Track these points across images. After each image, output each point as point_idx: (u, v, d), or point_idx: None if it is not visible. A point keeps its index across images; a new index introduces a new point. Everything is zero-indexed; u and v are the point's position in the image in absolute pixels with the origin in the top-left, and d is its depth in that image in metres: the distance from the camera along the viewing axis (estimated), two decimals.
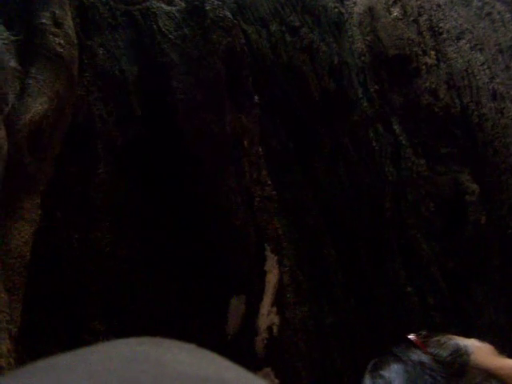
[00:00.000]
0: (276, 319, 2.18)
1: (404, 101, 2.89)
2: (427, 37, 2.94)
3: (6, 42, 1.60)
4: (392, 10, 2.94)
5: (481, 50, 2.91)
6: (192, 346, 0.37)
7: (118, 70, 1.98)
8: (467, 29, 2.95)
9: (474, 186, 2.79)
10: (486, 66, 2.89)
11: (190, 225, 1.99)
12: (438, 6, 2.99)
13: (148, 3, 2.08)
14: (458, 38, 2.94)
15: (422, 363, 1.18)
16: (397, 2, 2.95)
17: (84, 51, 1.88)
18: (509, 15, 3.01)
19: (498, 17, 2.97)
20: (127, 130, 1.96)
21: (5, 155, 1.36)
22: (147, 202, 1.96)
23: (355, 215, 2.78)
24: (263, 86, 2.70)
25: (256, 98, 2.22)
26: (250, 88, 2.21)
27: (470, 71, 2.89)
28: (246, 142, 2.12)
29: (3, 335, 1.13)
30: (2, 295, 1.20)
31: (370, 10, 2.95)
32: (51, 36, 1.66)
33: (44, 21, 1.67)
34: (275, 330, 2.17)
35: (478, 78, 2.88)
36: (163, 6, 2.09)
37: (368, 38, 2.93)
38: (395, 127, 2.87)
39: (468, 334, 1.32)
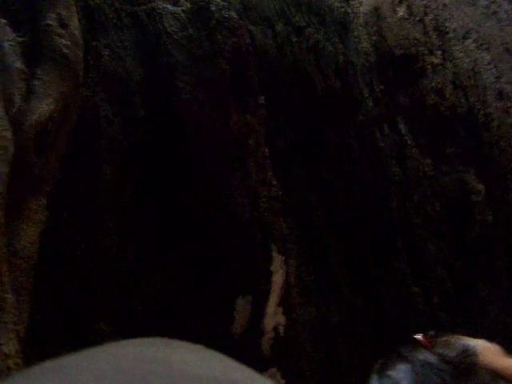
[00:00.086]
0: (282, 319, 2.18)
1: (410, 100, 2.88)
2: (433, 36, 2.93)
3: (11, 43, 1.61)
4: (398, 9, 2.93)
5: (487, 49, 2.90)
6: (199, 347, 0.37)
7: (123, 70, 1.98)
8: (473, 28, 2.94)
9: (480, 186, 2.78)
10: (492, 66, 2.88)
11: (195, 225, 1.99)
12: (444, 5, 2.98)
13: (153, 4, 2.08)
14: (464, 38, 2.93)
15: (429, 363, 1.17)
16: (403, 1, 2.95)
17: (89, 52, 1.89)
18: None
19: (504, 16, 2.96)
20: (132, 130, 1.96)
21: (11, 156, 1.37)
22: (152, 202, 1.96)
23: (361, 215, 2.78)
24: (269, 86, 2.70)
25: (261, 98, 2.22)
26: (256, 88, 2.20)
27: (476, 70, 2.88)
28: (251, 142, 2.12)
29: (11, 336, 1.13)
30: (10, 296, 1.20)
31: (376, 9, 2.94)
32: (57, 37, 1.66)
33: (50, 22, 1.67)
34: (281, 330, 2.17)
35: (484, 77, 2.87)
36: (168, 6, 2.10)
37: (374, 37, 2.92)
38: (401, 127, 2.87)
39: (474, 334, 1.31)
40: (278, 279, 2.14)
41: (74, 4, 1.81)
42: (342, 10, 2.96)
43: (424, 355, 1.20)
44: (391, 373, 1.20)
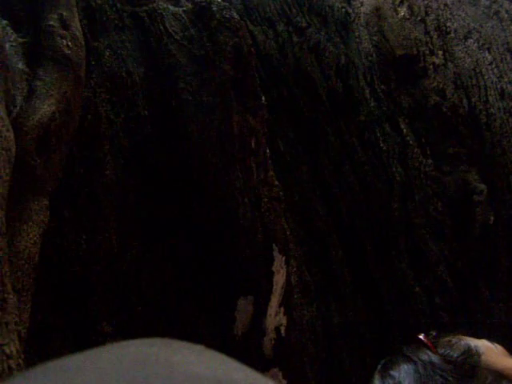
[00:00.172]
0: (284, 320, 2.18)
1: (411, 101, 2.88)
2: (434, 36, 2.93)
3: (13, 43, 1.61)
4: (399, 9, 2.93)
5: (489, 49, 2.90)
6: (201, 347, 0.37)
7: (124, 71, 1.98)
8: (475, 28, 2.94)
9: (482, 186, 2.78)
10: (493, 66, 2.88)
11: (197, 226, 2.00)
12: (446, 5, 2.98)
13: (154, 4, 2.08)
14: (466, 38, 2.93)
15: (432, 363, 1.17)
16: (404, 1, 2.95)
17: (91, 53, 1.89)
18: None
19: (506, 15, 2.96)
20: (134, 131, 1.96)
21: (13, 157, 1.37)
22: (154, 202, 1.96)
23: (362, 215, 2.78)
24: (270, 86, 2.70)
25: (263, 98, 2.22)
26: (257, 89, 2.20)
27: (477, 70, 2.88)
28: (253, 143, 2.12)
29: (12, 336, 1.13)
30: (11, 296, 1.20)
31: (377, 9, 2.94)
32: (58, 38, 1.67)
33: (51, 23, 1.68)
34: (283, 330, 2.17)
35: (485, 77, 2.87)
36: (170, 7, 2.10)
37: (375, 37, 2.92)
38: (403, 127, 2.87)
39: (476, 335, 1.31)
40: (279, 279, 2.14)
41: (76, 5, 1.82)
42: (343, 10, 2.97)
43: (427, 355, 1.20)
44: (394, 373, 1.20)
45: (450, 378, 1.14)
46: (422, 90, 2.87)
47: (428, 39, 2.92)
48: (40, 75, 1.60)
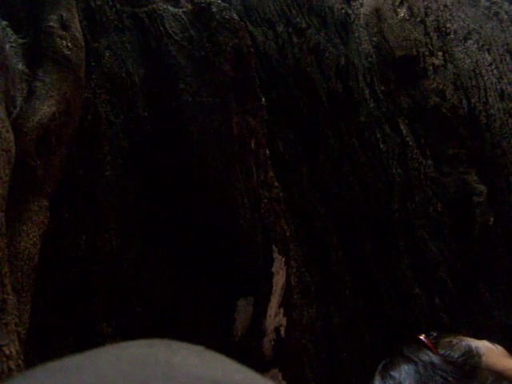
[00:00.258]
0: (283, 320, 2.18)
1: (411, 101, 2.88)
2: (434, 37, 2.93)
3: (13, 44, 1.61)
4: (399, 10, 2.94)
5: (488, 50, 2.90)
6: (200, 348, 0.37)
7: (124, 72, 1.98)
8: (475, 29, 2.94)
9: (482, 187, 2.78)
10: (493, 66, 2.88)
11: (197, 226, 2.00)
12: (445, 6, 2.98)
13: (154, 5, 2.08)
14: (466, 39, 2.93)
15: (432, 364, 1.17)
16: (403, 2, 2.95)
17: (91, 53, 1.89)
18: None
19: (505, 17, 2.96)
20: (134, 131, 1.96)
21: (13, 158, 1.37)
22: (154, 203, 1.96)
23: (362, 216, 2.78)
24: (270, 87, 2.70)
25: (263, 99, 2.22)
26: (257, 89, 2.21)
27: (477, 71, 2.88)
28: (252, 144, 2.12)
29: (12, 337, 1.13)
30: (11, 297, 1.20)
31: (377, 10, 2.94)
32: (58, 39, 1.67)
33: (51, 24, 1.68)
34: (283, 331, 2.17)
35: (485, 78, 2.87)
36: (169, 8, 2.10)
37: (375, 38, 2.92)
38: (402, 128, 2.87)
39: (476, 335, 1.31)
40: (279, 280, 2.14)
41: (76, 6, 1.82)
42: (343, 11, 2.97)
43: (427, 356, 1.20)
44: (394, 373, 1.20)
45: (451, 379, 1.14)
46: (422, 90, 2.87)
47: (428, 40, 2.92)
48: (40, 76, 1.60)
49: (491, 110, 2.84)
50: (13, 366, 1.09)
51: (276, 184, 2.25)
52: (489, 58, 2.89)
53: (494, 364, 1.19)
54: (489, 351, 1.22)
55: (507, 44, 2.93)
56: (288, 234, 2.47)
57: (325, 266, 2.70)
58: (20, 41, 1.64)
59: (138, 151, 1.96)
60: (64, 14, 1.72)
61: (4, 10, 1.68)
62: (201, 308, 1.99)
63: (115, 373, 0.30)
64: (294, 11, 2.86)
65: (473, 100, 2.85)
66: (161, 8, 2.08)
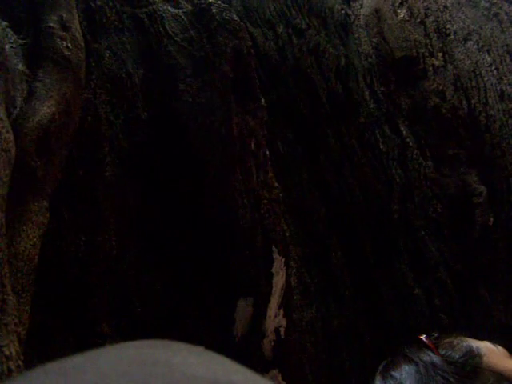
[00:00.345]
0: (283, 321, 2.18)
1: (411, 102, 2.88)
2: (434, 38, 2.93)
3: (13, 45, 1.61)
4: (399, 11, 2.94)
5: (488, 50, 2.90)
6: (200, 349, 0.37)
7: (124, 72, 1.98)
8: (474, 30, 2.94)
9: (482, 188, 2.78)
10: (493, 67, 2.88)
11: (197, 227, 2.00)
12: (445, 7, 2.98)
13: (154, 6, 2.08)
14: (466, 39, 2.93)
15: (433, 364, 1.17)
16: (403, 3, 2.95)
17: (91, 54, 1.89)
18: None
19: (505, 17, 2.96)
20: (134, 132, 1.96)
21: (13, 158, 1.37)
22: (154, 204, 1.96)
23: (362, 217, 2.78)
24: (270, 88, 2.70)
25: (263, 100, 2.22)
26: (257, 90, 2.21)
27: (477, 72, 2.88)
28: (252, 144, 2.12)
29: (12, 338, 1.13)
30: (11, 298, 1.20)
31: (377, 11, 2.94)
32: (58, 39, 1.67)
33: (51, 24, 1.68)
34: (282, 332, 2.17)
35: (485, 79, 2.87)
36: (170, 8, 2.10)
37: (375, 39, 2.93)
38: (402, 129, 2.87)
39: (476, 336, 1.31)
40: (278, 281, 2.14)
41: (76, 6, 1.82)
42: (343, 12, 2.97)
43: (428, 356, 1.20)
44: (395, 373, 1.20)
45: (452, 379, 1.14)
46: (422, 91, 2.87)
47: (428, 41, 2.92)
48: (40, 76, 1.60)
49: (491, 111, 2.84)
50: (13, 367, 1.09)
51: (276, 185, 2.25)
52: (489, 59, 2.89)
53: (495, 364, 1.19)
54: (490, 352, 1.22)
55: (507, 45, 2.93)
56: (288, 234, 2.48)
57: (325, 267, 2.70)
58: (20, 41, 1.64)
59: (137, 152, 1.96)
60: (64, 15, 1.72)
61: (4, 11, 1.68)
62: (201, 308, 1.99)
63: (115, 373, 0.31)
64: (293, 12, 2.86)
65: (473, 101, 2.85)
66: (161, 9, 2.08)
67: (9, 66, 1.53)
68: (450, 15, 2.97)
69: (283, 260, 2.16)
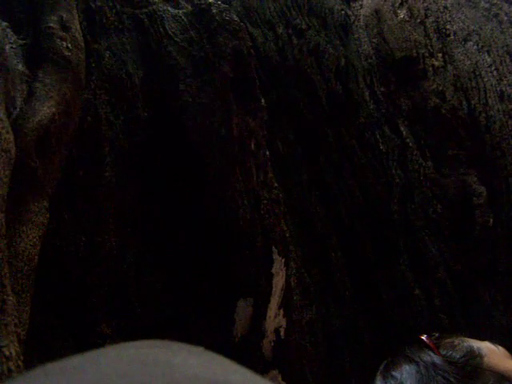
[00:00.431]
0: (283, 322, 2.18)
1: (411, 103, 2.88)
2: (434, 39, 2.93)
3: (13, 45, 1.61)
4: (399, 12, 2.94)
5: (488, 51, 2.90)
6: (200, 349, 0.37)
7: (124, 73, 1.98)
8: (474, 30, 2.94)
9: (482, 188, 2.78)
10: (493, 68, 2.88)
11: (197, 227, 2.00)
12: (445, 7, 2.98)
13: (154, 6, 2.08)
14: (465, 40, 2.93)
15: (434, 364, 1.17)
16: (403, 4, 2.95)
17: (91, 54, 1.89)
18: None
19: (505, 18, 2.97)
20: (134, 132, 1.96)
21: (12, 159, 1.37)
22: (154, 204, 1.96)
23: (362, 217, 2.78)
24: (270, 88, 2.71)
25: (262, 100, 2.22)
26: (257, 90, 2.21)
27: (477, 73, 2.88)
28: (252, 145, 2.13)
29: (12, 338, 1.13)
30: (10, 298, 1.20)
31: (377, 12, 2.94)
32: (58, 40, 1.67)
33: (51, 24, 1.68)
34: (282, 332, 2.17)
35: (485, 79, 2.87)
36: (170, 9, 2.10)
37: (375, 40, 2.93)
38: (402, 129, 2.87)
39: (476, 336, 1.31)
40: (278, 281, 2.14)
41: (75, 7, 1.82)
42: (343, 12, 2.97)
43: (429, 356, 1.20)
44: (396, 373, 1.20)
45: (452, 379, 1.14)
46: (422, 92, 2.87)
47: (427, 41, 2.92)
48: (40, 77, 1.60)
49: (491, 112, 2.84)
50: (12, 367, 1.09)
51: (276, 185, 2.25)
52: (488, 60, 2.89)
53: (496, 365, 1.19)
54: (490, 352, 1.22)
55: (507, 45, 2.93)
56: (288, 235, 2.48)
57: (324, 267, 2.70)
58: (20, 42, 1.64)
59: (138, 152, 1.96)
60: (64, 15, 1.72)
61: (4, 11, 1.68)
62: (200, 309, 1.99)
63: (115, 373, 0.31)
64: (293, 12, 2.86)
65: (472, 101, 2.85)
66: (161, 9, 2.08)
67: (9, 67, 1.53)
68: (450, 16, 2.97)
69: (283, 260, 2.16)
